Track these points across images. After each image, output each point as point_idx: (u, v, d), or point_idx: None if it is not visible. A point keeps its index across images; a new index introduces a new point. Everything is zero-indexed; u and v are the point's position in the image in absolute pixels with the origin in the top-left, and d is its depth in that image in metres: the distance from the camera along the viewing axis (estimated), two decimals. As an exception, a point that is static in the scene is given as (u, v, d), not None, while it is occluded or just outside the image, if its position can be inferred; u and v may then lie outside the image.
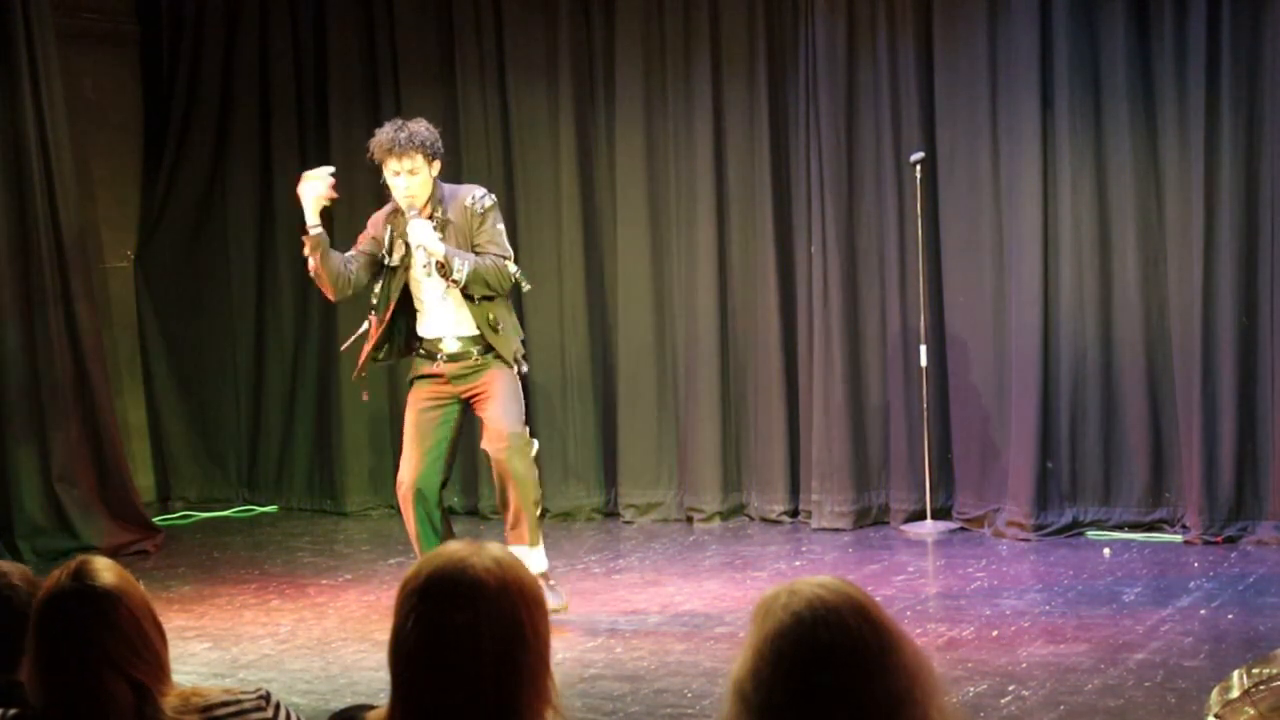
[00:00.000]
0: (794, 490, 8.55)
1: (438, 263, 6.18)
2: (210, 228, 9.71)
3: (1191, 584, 6.85)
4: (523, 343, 6.55)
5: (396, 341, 6.47)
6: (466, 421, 6.50)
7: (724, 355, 8.66)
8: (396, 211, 6.33)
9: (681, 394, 8.76)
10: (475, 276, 6.19)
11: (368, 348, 6.42)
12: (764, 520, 8.56)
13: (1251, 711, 3.06)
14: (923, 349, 8.13)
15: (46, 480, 8.30)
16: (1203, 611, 6.40)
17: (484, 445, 6.41)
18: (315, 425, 9.52)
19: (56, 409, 8.33)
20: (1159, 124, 7.69)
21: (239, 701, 2.61)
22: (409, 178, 6.20)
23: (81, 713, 2.50)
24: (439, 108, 8.89)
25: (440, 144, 6.30)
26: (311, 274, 6.33)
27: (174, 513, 9.46)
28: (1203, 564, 7.20)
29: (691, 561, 7.75)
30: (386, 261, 6.36)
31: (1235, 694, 3.18)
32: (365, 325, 6.47)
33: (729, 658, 2.13)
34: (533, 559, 6.19)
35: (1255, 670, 3.29)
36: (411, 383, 6.48)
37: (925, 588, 7.10)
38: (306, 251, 6.23)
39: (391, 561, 7.88)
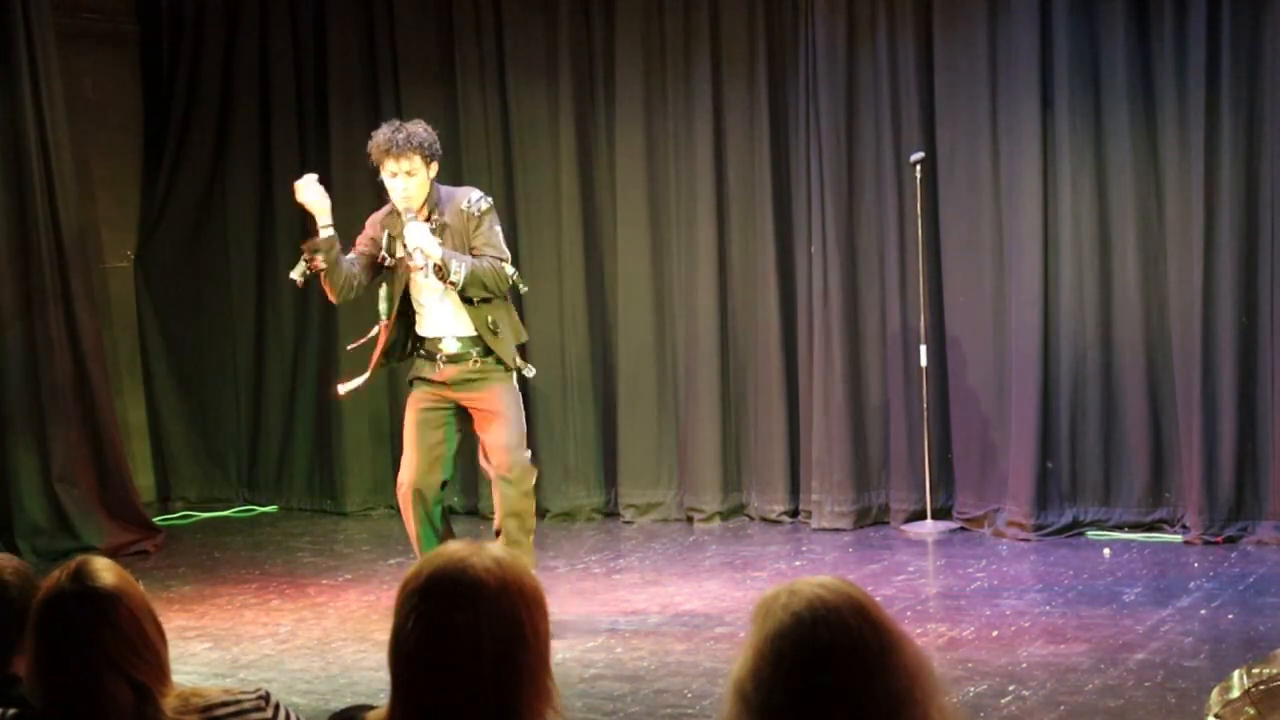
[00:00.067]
0: (794, 490, 8.55)
1: (435, 265, 6.18)
2: (210, 228, 9.71)
3: (1191, 584, 6.85)
4: (523, 345, 6.54)
5: (400, 343, 6.46)
6: (467, 426, 6.48)
7: (724, 355, 8.66)
8: (394, 213, 6.33)
9: (681, 394, 8.76)
10: (472, 279, 6.18)
11: (377, 353, 6.42)
12: (764, 520, 8.56)
13: (1252, 711, 3.06)
14: (923, 349, 8.12)
15: (46, 480, 8.30)
16: (1203, 611, 6.40)
17: (484, 465, 6.41)
18: (315, 425, 9.52)
19: (56, 409, 8.33)
20: (1159, 124, 7.69)
21: (239, 702, 2.61)
22: (406, 179, 6.19)
23: (81, 713, 2.50)
24: (439, 108, 8.89)
25: (438, 145, 6.29)
26: (318, 272, 6.28)
27: (174, 513, 9.46)
28: (1203, 564, 7.20)
29: (691, 561, 7.75)
30: (385, 263, 6.36)
31: (1235, 694, 3.18)
32: (375, 330, 6.46)
33: (729, 658, 2.13)
34: None
35: (1255, 670, 3.29)
36: (412, 384, 6.47)
37: (925, 588, 7.09)
38: (321, 255, 6.18)
39: (391, 561, 7.88)
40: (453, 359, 6.33)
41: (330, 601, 7.17)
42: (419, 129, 6.22)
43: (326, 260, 6.16)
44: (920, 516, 8.21)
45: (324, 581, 7.60)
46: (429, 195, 6.27)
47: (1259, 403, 7.55)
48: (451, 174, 8.33)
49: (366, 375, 6.52)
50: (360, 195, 8.27)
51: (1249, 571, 7.02)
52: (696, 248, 8.65)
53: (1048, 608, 6.55)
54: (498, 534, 6.32)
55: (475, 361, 6.31)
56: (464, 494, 9.02)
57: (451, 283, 6.17)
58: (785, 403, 8.52)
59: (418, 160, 6.17)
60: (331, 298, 6.38)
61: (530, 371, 6.55)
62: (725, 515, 8.63)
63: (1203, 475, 7.54)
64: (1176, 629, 6.14)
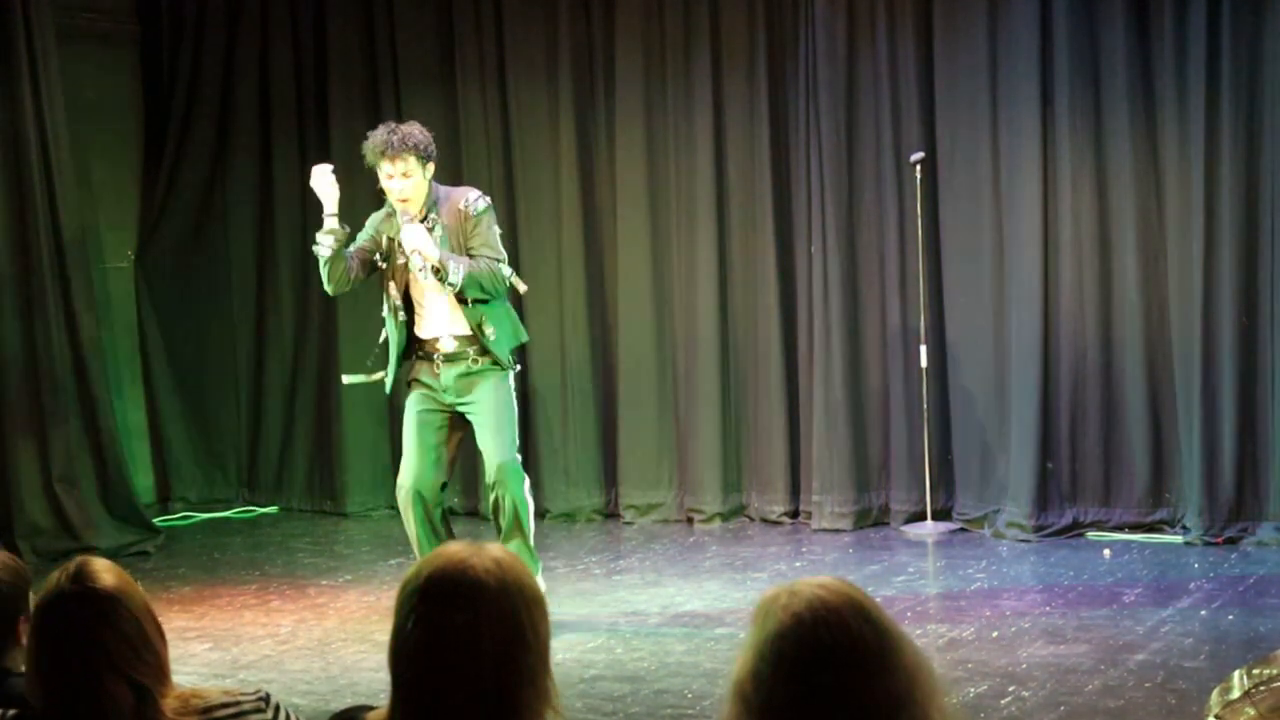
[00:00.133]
0: (794, 491, 8.55)
1: (432, 266, 6.19)
2: (210, 228, 9.70)
3: (1192, 585, 6.85)
4: (522, 346, 6.54)
5: (404, 344, 6.47)
6: (466, 427, 6.49)
7: (724, 355, 8.66)
8: (392, 214, 6.34)
9: (681, 394, 8.76)
10: (470, 281, 6.20)
11: (392, 357, 6.43)
12: (764, 521, 8.56)
13: (1252, 712, 3.06)
14: (923, 349, 8.12)
15: (46, 480, 8.30)
16: (1203, 612, 6.40)
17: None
18: (315, 426, 9.52)
19: (56, 409, 8.33)
20: (1159, 124, 7.69)
21: (239, 703, 2.61)
22: (403, 180, 6.21)
23: (82, 714, 2.50)
24: (439, 108, 8.90)
25: (433, 147, 6.30)
26: (321, 258, 6.30)
27: (174, 513, 9.45)
28: (1203, 565, 7.20)
29: (692, 562, 7.75)
30: (382, 265, 6.37)
31: (1236, 695, 3.18)
32: (383, 336, 6.49)
33: (729, 658, 2.13)
34: None
35: (1256, 671, 3.29)
36: (410, 385, 6.48)
37: (925, 588, 7.09)
38: (333, 241, 6.20)
39: (391, 562, 7.88)
40: (450, 358, 6.34)
41: (330, 602, 7.17)
42: (414, 130, 6.23)
43: (334, 248, 6.19)
44: (920, 517, 8.21)
45: (324, 582, 7.60)
46: (427, 195, 6.28)
47: (1259, 403, 7.55)
48: (451, 174, 8.34)
49: (378, 375, 6.52)
50: (360, 195, 8.26)
51: (1249, 572, 7.02)
52: (696, 247, 8.65)
53: (1048, 608, 6.55)
54: (496, 520, 6.40)
55: (473, 360, 6.31)
56: (464, 495, 9.02)
57: (450, 284, 6.17)
58: (785, 403, 8.52)
59: (413, 161, 6.19)
60: (327, 287, 6.39)
61: (516, 366, 6.56)
62: (725, 516, 8.63)
63: (1203, 476, 7.54)
64: (1176, 629, 6.14)
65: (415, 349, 6.44)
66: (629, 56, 8.73)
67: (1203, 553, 7.42)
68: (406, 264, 6.28)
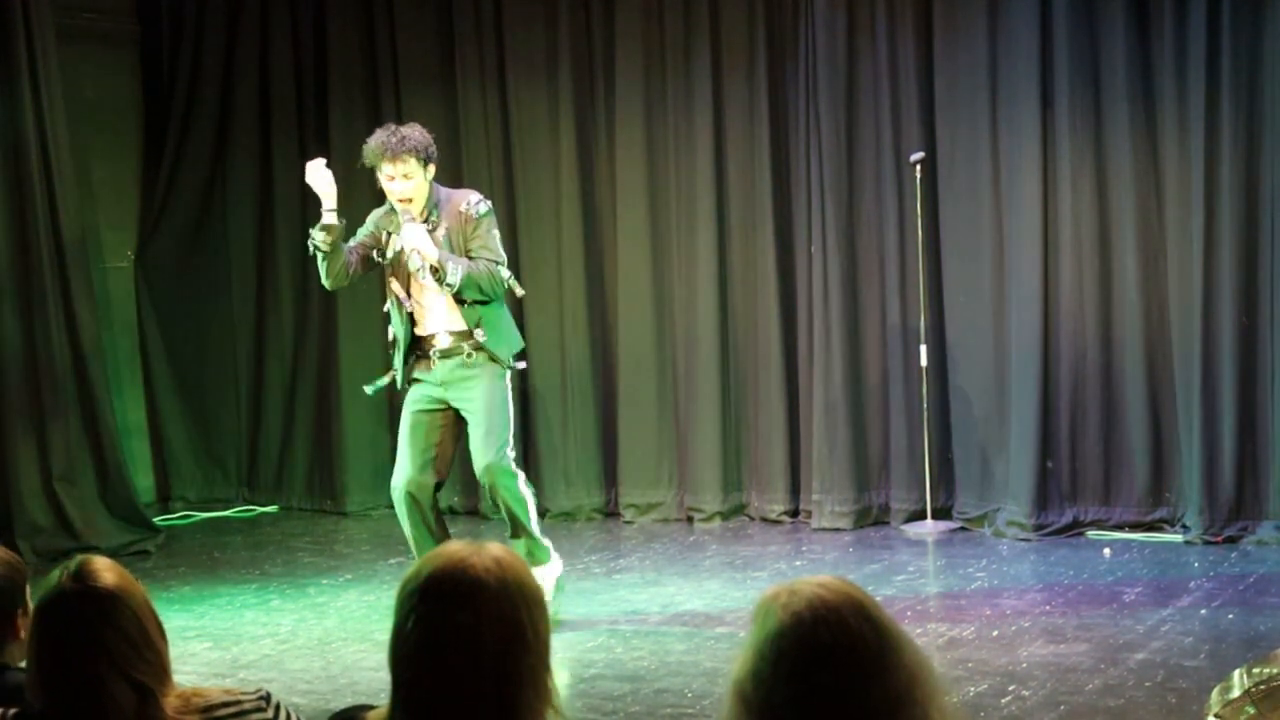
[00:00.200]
0: (794, 490, 8.55)
1: (431, 266, 6.20)
2: (210, 228, 9.71)
3: (1192, 584, 6.85)
4: (522, 351, 6.53)
5: (408, 342, 6.49)
6: (463, 426, 6.48)
7: (724, 355, 8.66)
8: (393, 211, 6.35)
9: (681, 394, 8.76)
10: (468, 281, 6.21)
11: (399, 356, 6.44)
12: (764, 520, 8.56)
13: (1252, 711, 3.06)
14: (923, 349, 8.12)
15: (46, 480, 8.30)
16: (1203, 611, 6.40)
17: None
18: (315, 425, 9.52)
19: (57, 409, 8.33)
20: (1159, 124, 7.69)
21: (239, 702, 2.61)
22: (403, 181, 6.22)
23: (82, 714, 2.50)
24: (439, 108, 8.90)
25: (434, 148, 6.31)
26: (317, 252, 6.30)
27: (174, 513, 9.46)
28: (1203, 564, 7.20)
29: (692, 561, 7.75)
30: (380, 260, 6.38)
31: (1236, 694, 3.19)
32: (390, 334, 6.50)
33: (729, 658, 2.14)
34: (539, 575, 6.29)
35: (1256, 670, 3.29)
36: (408, 384, 6.48)
37: (925, 588, 7.10)
38: (329, 236, 6.21)
39: (392, 561, 7.88)
40: (445, 354, 6.34)
41: (330, 601, 7.17)
42: (415, 132, 6.24)
43: (330, 244, 6.20)
44: (920, 516, 8.21)
45: (324, 581, 7.60)
46: (428, 197, 6.29)
47: (1259, 403, 7.55)
48: (451, 174, 8.34)
49: (391, 374, 6.53)
50: (360, 195, 8.26)
51: (1249, 571, 7.02)
52: (696, 247, 8.65)
53: (1048, 608, 6.55)
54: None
55: (467, 354, 6.31)
56: (464, 494, 9.02)
57: (448, 285, 6.18)
58: (785, 403, 8.52)
59: (414, 163, 6.20)
60: (325, 282, 6.40)
61: (521, 364, 6.56)
62: (725, 515, 8.63)
63: (1203, 475, 7.54)
64: (1176, 629, 6.14)
65: (414, 347, 6.45)
66: (629, 56, 8.73)
67: (1203, 552, 7.42)
68: (407, 263, 6.29)
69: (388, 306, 6.49)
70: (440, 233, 6.26)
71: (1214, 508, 7.56)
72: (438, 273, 6.19)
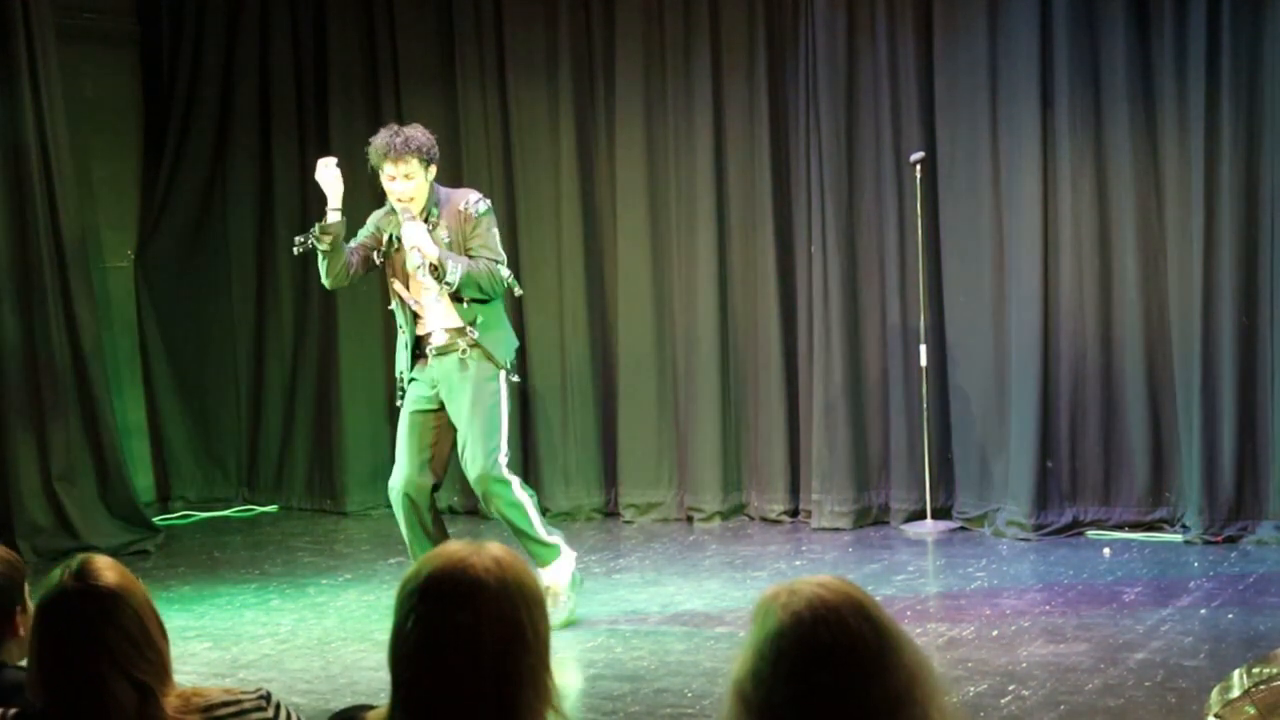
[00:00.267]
0: (794, 490, 8.55)
1: (431, 265, 6.20)
2: (210, 228, 9.71)
3: (1191, 584, 6.85)
4: (517, 351, 6.52)
5: (412, 336, 6.50)
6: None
7: (724, 355, 8.66)
8: (393, 211, 6.36)
9: (681, 394, 8.76)
10: (468, 280, 6.21)
11: (403, 349, 6.45)
12: (764, 520, 8.56)
13: (1252, 711, 3.07)
14: (923, 349, 8.13)
15: (46, 480, 8.30)
16: (1203, 611, 6.40)
17: None
18: (315, 425, 9.52)
19: (56, 409, 8.33)
20: (1159, 124, 7.69)
21: (239, 702, 2.61)
22: (405, 182, 6.24)
23: (83, 713, 2.50)
24: (439, 108, 8.90)
25: (436, 149, 6.33)
26: (319, 253, 6.32)
27: (174, 513, 9.46)
28: (1203, 564, 7.20)
29: (691, 561, 7.75)
30: (379, 261, 6.39)
31: (1236, 693, 3.19)
32: (400, 336, 6.50)
33: (729, 658, 2.14)
34: (545, 576, 6.29)
35: (1255, 670, 3.29)
36: (406, 385, 6.48)
37: (925, 587, 7.10)
38: (330, 235, 6.22)
39: (391, 561, 7.88)
40: (441, 351, 6.34)
41: (330, 601, 7.18)
42: (417, 133, 6.26)
43: (331, 243, 6.21)
44: (920, 516, 8.21)
45: (324, 581, 7.60)
46: (429, 197, 6.31)
47: (1259, 403, 7.55)
48: (451, 174, 8.34)
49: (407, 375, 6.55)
50: (360, 195, 8.25)
51: (1249, 571, 7.02)
52: (696, 247, 8.65)
53: (1048, 608, 6.55)
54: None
55: (463, 352, 6.31)
56: (463, 494, 9.01)
57: (447, 283, 6.19)
58: (785, 403, 8.52)
59: (415, 163, 6.22)
60: (325, 281, 6.41)
61: (515, 377, 6.54)
62: (725, 515, 8.63)
63: (1203, 475, 7.54)
64: (1176, 629, 6.14)
65: (414, 346, 6.46)
66: (629, 56, 8.73)
67: (1202, 552, 7.42)
68: (406, 261, 6.30)
69: (392, 306, 6.49)
70: (440, 232, 6.28)
71: (1214, 508, 7.56)
72: (437, 271, 6.20)
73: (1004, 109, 7.96)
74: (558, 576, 6.39)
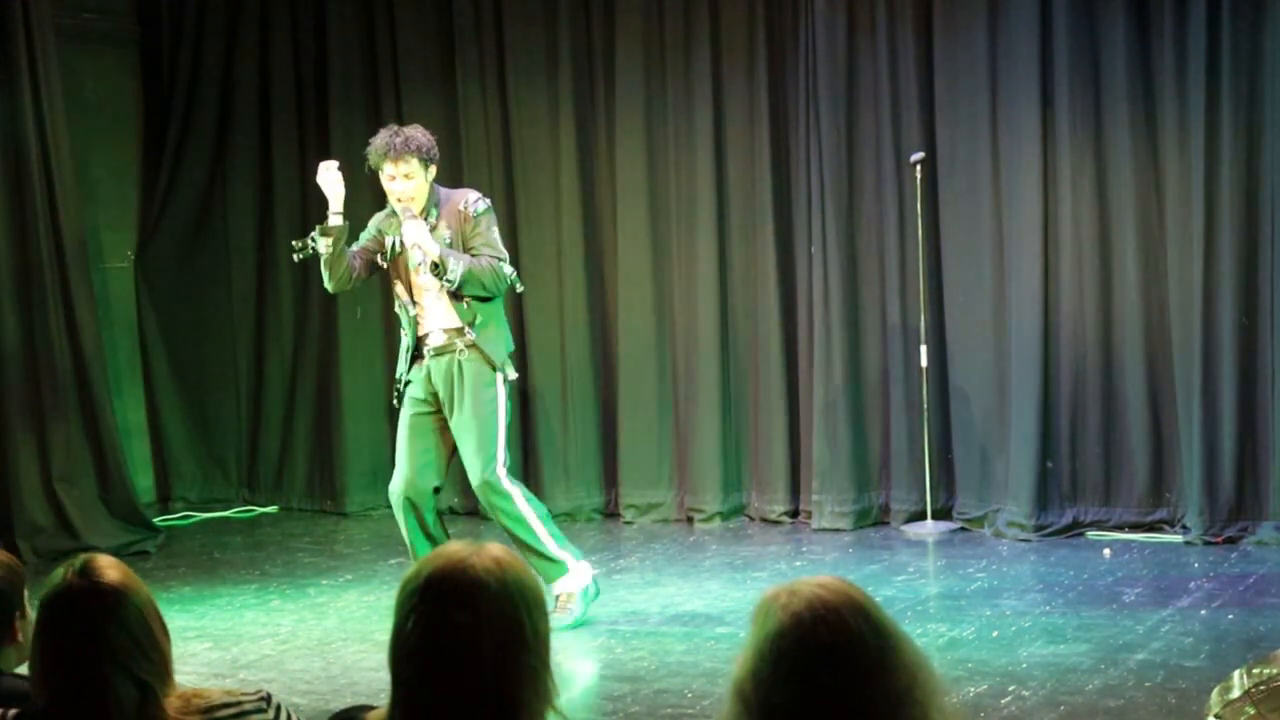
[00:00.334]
0: (794, 490, 8.55)
1: (432, 262, 6.21)
2: (210, 228, 9.71)
3: (1192, 584, 6.85)
4: (510, 355, 6.51)
5: (414, 339, 6.50)
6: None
7: (724, 355, 8.66)
8: (393, 214, 6.37)
9: (681, 394, 8.76)
10: (470, 277, 6.21)
11: (405, 358, 6.45)
12: (764, 520, 8.56)
13: (1252, 711, 3.06)
14: (923, 349, 8.12)
15: (46, 480, 8.30)
16: (1203, 612, 6.40)
17: None
18: (315, 425, 9.52)
19: (57, 409, 8.33)
20: (1159, 124, 7.69)
21: (240, 703, 2.61)
22: (405, 181, 6.24)
23: (85, 710, 2.50)
24: (439, 108, 8.90)
25: (436, 150, 6.34)
26: (319, 257, 6.32)
27: (174, 513, 9.46)
28: (1203, 564, 7.20)
29: (692, 562, 7.75)
30: (382, 263, 6.40)
31: (1236, 694, 3.18)
32: (403, 339, 6.51)
33: (729, 658, 2.14)
34: (558, 586, 6.29)
35: (1256, 670, 3.29)
36: (404, 386, 6.48)
37: (925, 588, 7.09)
38: (328, 241, 6.23)
39: (392, 561, 7.88)
40: (438, 351, 6.34)
41: (330, 602, 7.18)
42: (417, 133, 6.28)
43: (332, 247, 6.22)
44: (920, 517, 8.21)
45: (324, 582, 7.60)
46: (428, 197, 6.31)
47: (1259, 403, 7.55)
48: (451, 174, 8.34)
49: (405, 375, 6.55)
50: (360, 195, 8.25)
51: (1249, 571, 7.02)
52: (696, 248, 8.65)
53: (1048, 608, 6.55)
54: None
55: (460, 351, 6.31)
56: (464, 495, 9.01)
57: (448, 280, 6.19)
58: (785, 403, 8.52)
59: (415, 163, 6.23)
60: (328, 285, 6.41)
61: (513, 375, 6.53)
62: (725, 515, 8.63)
63: (1203, 475, 7.54)
64: (1176, 629, 6.14)
65: (414, 347, 6.47)
66: (629, 56, 8.73)
67: (1203, 552, 7.42)
68: (407, 259, 6.31)
69: (396, 309, 6.50)
70: (440, 232, 6.28)
71: (1214, 508, 7.56)
72: (438, 268, 6.20)
73: (1004, 109, 7.96)
74: (570, 585, 6.38)
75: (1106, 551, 7.55)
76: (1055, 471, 7.92)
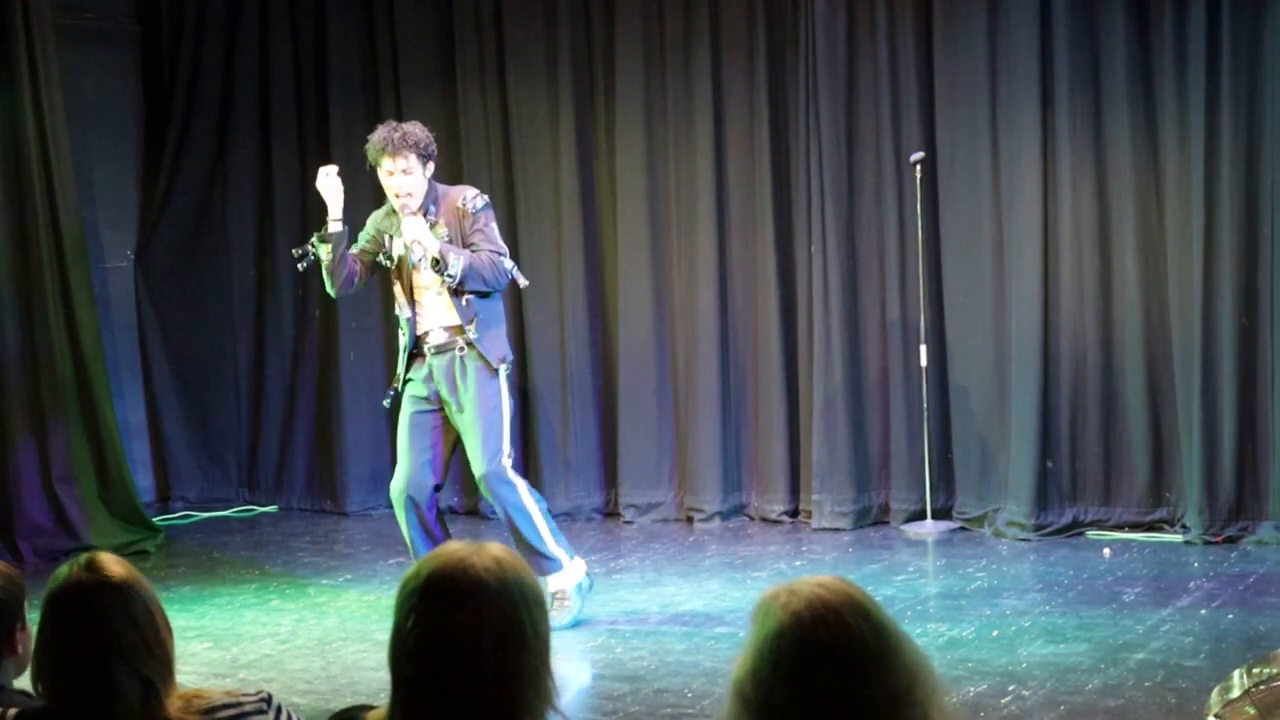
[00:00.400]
0: (794, 490, 8.55)
1: (432, 259, 6.21)
2: (210, 228, 9.71)
3: (1191, 584, 6.85)
4: (520, 347, 6.52)
5: (411, 340, 6.50)
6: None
7: (724, 355, 8.66)
8: (392, 212, 6.38)
9: (681, 394, 8.76)
10: (471, 272, 6.21)
11: (403, 357, 6.46)
12: (764, 520, 8.56)
13: (1252, 711, 3.07)
14: (923, 349, 8.13)
15: (46, 480, 8.30)
16: (1203, 611, 6.40)
17: None
18: (315, 425, 9.52)
19: (57, 409, 8.33)
20: (1159, 124, 7.69)
21: (240, 704, 2.61)
22: (403, 177, 6.25)
23: (88, 706, 2.51)
24: (439, 108, 8.90)
25: (434, 146, 6.34)
26: (319, 263, 6.33)
27: (174, 513, 9.46)
28: (1203, 564, 7.20)
29: (691, 561, 7.75)
30: (384, 262, 6.40)
31: (1236, 694, 3.19)
32: (401, 339, 6.51)
33: (729, 658, 2.14)
34: (553, 583, 6.29)
35: (1256, 670, 3.29)
36: (404, 384, 6.48)
37: (925, 588, 7.09)
38: (328, 246, 6.24)
39: (392, 561, 7.88)
40: (439, 349, 6.35)
41: (330, 601, 7.18)
42: (415, 129, 6.28)
43: (333, 254, 6.22)
44: (920, 516, 8.21)
45: (324, 581, 7.60)
46: (426, 194, 6.31)
47: (1259, 403, 7.55)
48: (451, 173, 8.35)
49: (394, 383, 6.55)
50: (360, 195, 8.26)
51: (1249, 571, 7.02)
52: (696, 248, 8.65)
53: (1048, 607, 6.55)
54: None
55: (459, 350, 6.31)
56: (464, 494, 9.02)
57: (449, 275, 6.19)
58: (785, 403, 8.52)
59: (414, 159, 6.23)
60: (330, 290, 6.43)
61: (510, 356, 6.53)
62: (725, 515, 8.63)
63: (1203, 475, 7.54)
64: (1176, 629, 6.14)
65: (413, 346, 6.47)
66: (629, 56, 8.73)
67: (1202, 552, 7.42)
68: (408, 257, 6.31)
69: (396, 310, 6.50)
70: (439, 229, 6.28)
71: (1214, 508, 7.56)
72: (439, 264, 6.20)
73: (1004, 109, 7.96)
74: (564, 582, 6.39)
75: (1106, 551, 7.55)
76: (1055, 471, 7.92)
